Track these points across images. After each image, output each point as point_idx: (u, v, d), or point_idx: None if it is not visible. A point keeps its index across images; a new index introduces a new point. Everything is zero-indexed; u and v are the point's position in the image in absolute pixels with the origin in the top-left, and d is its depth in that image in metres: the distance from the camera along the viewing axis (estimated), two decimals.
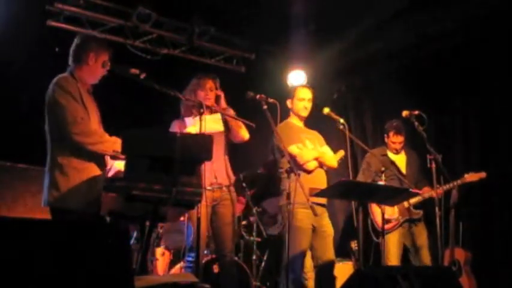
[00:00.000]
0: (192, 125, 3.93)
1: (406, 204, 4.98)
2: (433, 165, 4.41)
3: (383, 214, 4.59)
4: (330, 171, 4.44)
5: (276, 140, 4.20)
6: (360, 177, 5.20)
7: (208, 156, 3.02)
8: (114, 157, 3.24)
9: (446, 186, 4.80)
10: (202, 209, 3.61)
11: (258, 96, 4.04)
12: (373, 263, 5.26)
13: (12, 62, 5.10)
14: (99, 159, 3.32)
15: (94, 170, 3.28)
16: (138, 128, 3.09)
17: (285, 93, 4.63)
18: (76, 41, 3.47)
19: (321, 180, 4.25)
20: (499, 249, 5.35)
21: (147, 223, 3.18)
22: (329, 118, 4.36)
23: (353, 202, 4.12)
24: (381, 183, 4.48)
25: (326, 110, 4.36)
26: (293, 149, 4.22)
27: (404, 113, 4.64)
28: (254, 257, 5.43)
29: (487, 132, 5.57)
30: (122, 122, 3.31)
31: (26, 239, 2.11)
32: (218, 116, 4.05)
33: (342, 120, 4.29)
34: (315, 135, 4.53)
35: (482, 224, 5.49)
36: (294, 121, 4.48)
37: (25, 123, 4.74)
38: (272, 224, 5.85)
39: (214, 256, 4.81)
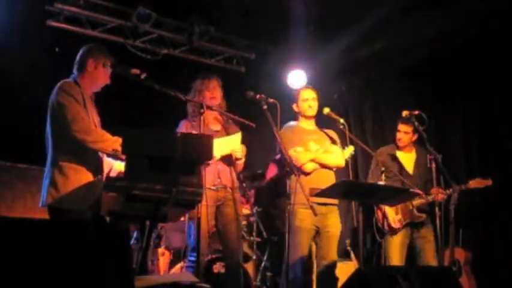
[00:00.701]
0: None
1: (410, 205, 4.84)
2: (433, 165, 4.40)
3: (386, 214, 4.55)
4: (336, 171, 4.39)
5: (277, 142, 4.20)
6: (370, 178, 5.09)
7: (209, 156, 3.03)
8: (113, 157, 3.25)
9: (450, 191, 4.70)
10: (204, 209, 3.60)
11: (258, 96, 4.04)
12: (376, 263, 5.22)
13: (12, 62, 5.09)
14: (98, 161, 3.33)
15: (94, 172, 3.29)
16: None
17: (285, 93, 4.64)
18: (80, 51, 3.52)
19: (327, 180, 4.16)
20: (499, 250, 5.35)
21: (147, 223, 3.18)
22: (329, 118, 4.36)
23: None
24: (381, 183, 4.47)
25: (326, 110, 4.36)
26: (290, 153, 4.20)
27: (404, 113, 4.62)
28: (254, 257, 5.43)
29: (487, 132, 5.57)
30: (121, 130, 3.30)
31: (26, 239, 2.10)
32: (229, 139, 4.08)
33: (342, 120, 4.29)
34: (324, 135, 4.46)
35: (483, 224, 5.49)
36: (302, 124, 4.45)
37: (25, 123, 4.73)
38: None
39: (214, 256, 4.81)
